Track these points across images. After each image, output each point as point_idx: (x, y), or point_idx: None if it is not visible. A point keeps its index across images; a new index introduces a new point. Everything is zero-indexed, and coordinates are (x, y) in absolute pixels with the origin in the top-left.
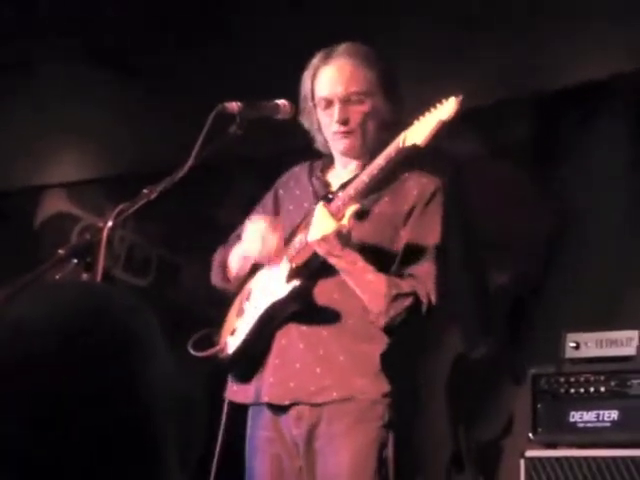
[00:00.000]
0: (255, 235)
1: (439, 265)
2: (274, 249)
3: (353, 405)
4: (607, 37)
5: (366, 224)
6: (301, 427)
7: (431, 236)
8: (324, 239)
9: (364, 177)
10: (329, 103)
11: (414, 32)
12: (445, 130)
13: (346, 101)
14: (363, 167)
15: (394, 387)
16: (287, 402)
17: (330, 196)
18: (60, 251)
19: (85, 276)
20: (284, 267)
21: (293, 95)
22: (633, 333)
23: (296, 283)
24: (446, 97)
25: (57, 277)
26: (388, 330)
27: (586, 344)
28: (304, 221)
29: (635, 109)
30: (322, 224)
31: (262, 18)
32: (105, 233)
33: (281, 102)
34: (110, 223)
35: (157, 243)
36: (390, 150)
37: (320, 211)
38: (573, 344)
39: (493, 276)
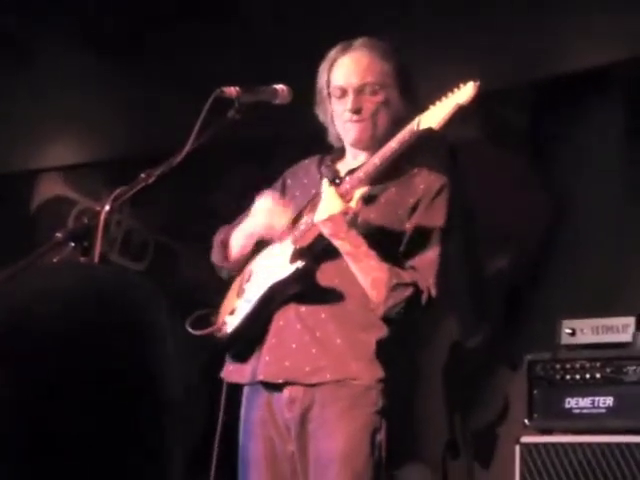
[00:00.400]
0: (264, 210)
1: (442, 252)
2: (282, 224)
3: (346, 390)
4: (605, 25)
5: (372, 209)
6: (294, 410)
7: (436, 222)
8: (331, 219)
9: (376, 160)
10: (344, 92)
11: (412, 19)
12: (459, 115)
13: (360, 91)
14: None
15: (389, 374)
16: (281, 380)
17: (337, 180)
18: (57, 235)
19: (82, 260)
20: (288, 248)
21: (292, 80)
22: (629, 320)
23: (299, 264)
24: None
25: (55, 260)
26: (386, 320)
27: (582, 330)
28: (310, 203)
29: (632, 96)
30: (330, 205)
31: (262, 2)
32: (102, 217)
33: (279, 87)
34: (107, 207)
35: (154, 228)
36: (404, 133)
37: (328, 192)
38: (569, 330)
39: (489, 263)
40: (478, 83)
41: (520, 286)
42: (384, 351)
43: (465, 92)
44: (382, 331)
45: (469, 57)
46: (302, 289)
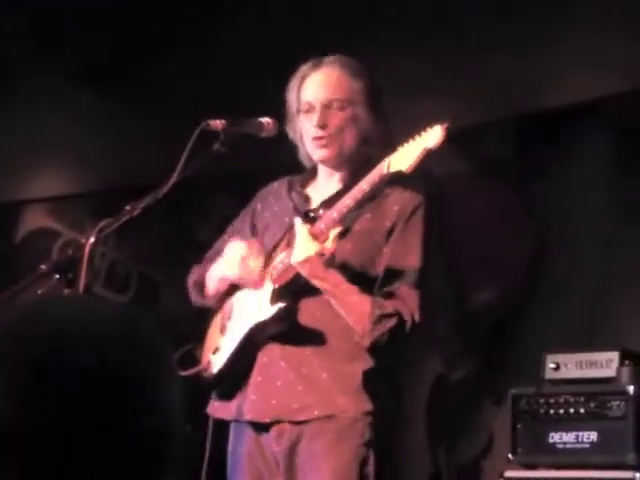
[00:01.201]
0: (235, 258)
1: (419, 288)
2: (255, 274)
3: (334, 423)
4: (589, 60)
5: (348, 243)
6: (282, 444)
7: (411, 258)
8: (307, 261)
9: (348, 201)
10: (311, 108)
11: (398, 51)
12: (430, 156)
13: (327, 106)
14: (344, 181)
15: (376, 405)
16: (268, 420)
17: (312, 214)
18: (42, 266)
19: (66, 292)
20: (267, 287)
21: (276, 112)
22: (613, 354)
23: (280, 305)
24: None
25: (39, 292)
26: (372, 350)
27: (566, 365)
28: (285, 238)
29: (616, 130)
30: (305, 246)
31: (246, 33)
32: (87, 249)
33: (265, 120)
34: (92, 239)
35: (137, 259)
36: (374, 176)
37: (302, 232)
38: (553, 365)
39: (474, 296)
40: (447, 125)
41: (504, 320)
42: (370, 382)
43: (433, 136)
44: (367, 362)
45: (454, 91)
46: (284, 328)
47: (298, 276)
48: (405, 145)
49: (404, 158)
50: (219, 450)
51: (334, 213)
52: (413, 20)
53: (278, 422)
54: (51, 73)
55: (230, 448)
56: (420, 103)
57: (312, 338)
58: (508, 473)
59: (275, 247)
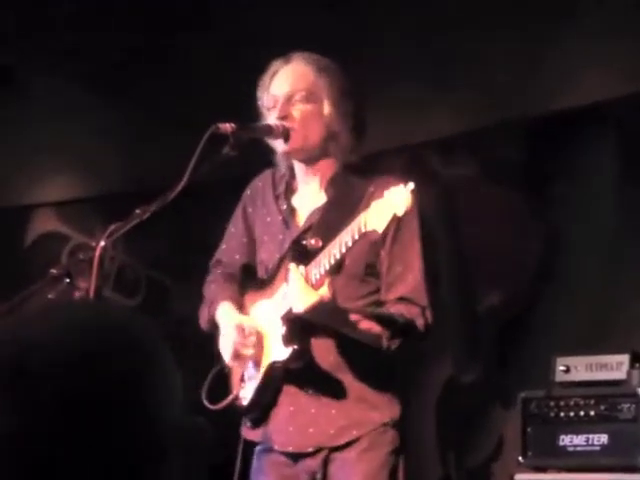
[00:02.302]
0: (228, 345)
1: (424, 266)
2: (249, 358)
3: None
4: (598, 62)
5: (346, 260)
6: (318, 457)
7: (412, 275)
8: (309, 311)
9: (335, 251)
10: (275, 102)
11: (408, 54)
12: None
13: (289, 98)
14: (325, 189)
15: (401, 410)
16: (311, 449)
17: (304, 242)
18: (52, 270)
19: (78, 295)
20: (276, 324)
21: None
22: (623, 357)
23: (294, 347)
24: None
25: (50, 296)
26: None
27: (576, 368)
28: (284, 267)
29: (624, 133)
30: (304, 295)
31: (260, 38)
32: (98, 253)
33: (274, 124)
34: (102, 243)
35: (147, 263)
36: (353, 232)
37: (298, 280)
38: (563, 368)
39: (483, 299)
40: (412, 187)
41: (514, 323)
42: (394, 388)
43: (402, 201)
44: (388, 369)
45: (464, 95)
46: (301, 366)
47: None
48: (378, 201)
49: (378, 220)
50: (249, 471)
51: (324, 261)
52: (421, 22)
53: (320, 450)
54: (61, 77)
55: (255, 459)
56: (429, 107)
57: (332, 363)
58: (518, 476)
59: (274, 274)
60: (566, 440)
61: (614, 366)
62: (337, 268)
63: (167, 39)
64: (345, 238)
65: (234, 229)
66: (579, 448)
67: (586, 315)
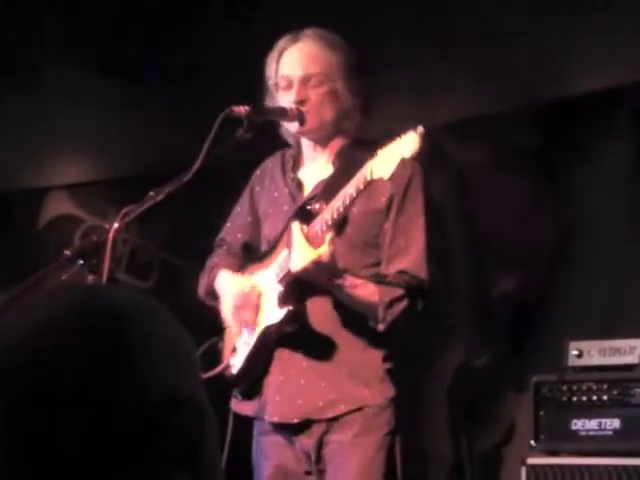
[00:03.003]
0: (229, 306)
1: (428, 242)
2: (247, 323)
3: (360, 414)
4: (614, 47)
5: (348, 227)
6: (312, 437)
7: (415, 227)
8: (306, 269)
9: (337, 204)
10: (289, 83)
11: (422, 40)
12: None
13: (305, 82)
14: (332, 163)
15: (397, 389)
16: (297, 420)
17: (308, 207)
18: (66, 252)
19: (91, 277)
20: (273, 287)
21: None
22: (636, 342)
23: (289, 308)
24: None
25: (63, 277)
26: (389, 332)
27: (589, 352)
28: (285, 233)
29: None
30: (303, 252)
31: (272, 25)
32: (111, 235)
33: (288, 106)
34: (116, 225)
35: (159, 246)
36: (359, 182)
37: (299, 239)
38: (576, 352)
39: (496, 283)
40: (421, 131)
41: (527, 307)
42: (390, 367)
43: (409, 144)
44: (384, 348)
45: (479, 81)
46: (295, 329)
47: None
48: (384, 149)
49: (384, 166)
50: (240, 444)
51: (327, 217)
52: (434, 9)
53: (306, 420)
54: (75, 62)
55: (255, 440)
56: (443, 92)
57: (328, 332)
58: (530, 460)
59: (276, 242)
60: (578, 424)
61: (627, 350)
62: (339, 228)
63: (181, 23)
64: (349, 190)
65: (240, 208)
66: (591, 432)
67: (600, 300)
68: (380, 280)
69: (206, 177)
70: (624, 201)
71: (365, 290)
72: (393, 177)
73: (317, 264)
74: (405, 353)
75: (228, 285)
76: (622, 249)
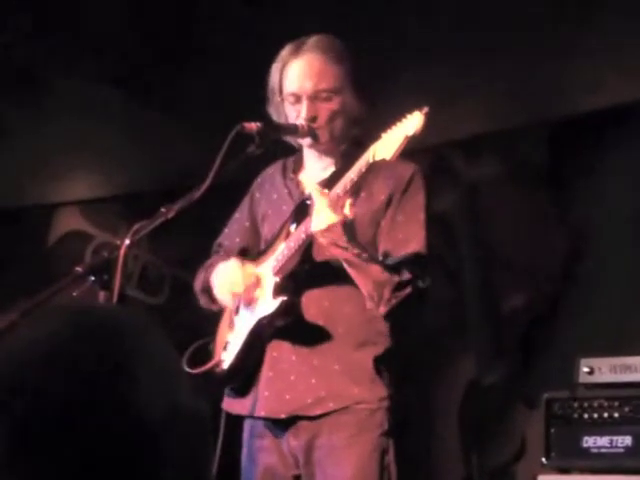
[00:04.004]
0: (225, 283)
1: (428, 245)
2: (244, 297)
3: (352, 415)
4: (622, 64)
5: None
6: (300, 439)
7: (413, 244)
8: (329, 229)
9: (338, 190)
10: (297, 99)
11: (432, 54)
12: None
13: (314, 98)
14: (336, 165)
15: (391, 390)
16: (284, 416)
17: (308, 202)
18: (77, 268)
19: (102, 294)
20: (269, 280)
21: None
22: None
23: (282, 299)
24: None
25: (74, 294)
26: (387, 317)
27: (600, 369)
28: (284, 228)
29: None
30: (326, 214)
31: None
32: (122, 251)
33: (299, 123)
34: (127, 241)
35: (170, 262)
36: (361, 165)
37: (320, 200)
38: (587, 369)
39: (507, 300)
40: (426, 111)
41: (538, 323)
42: (383, 367)
43: (413, 122)
44: (378, 347)
45: (488, 94)
46: (289, 321)
47: (300, 266)
48: (388, 132)
49: (387, 147)
50: (232, 444)
51: (341, 185)
52: (447, 26)
53: (294, 417)
54: (85, 76)
55: (245, 443)
56: (452, 107)
57: (321, 329)
58: (541, 477)
59: (274, 238)
60: (590, 442)
61: (638, 368)
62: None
63: (194, 38)
64: (351, 174)
65: (239, 214)
66: (603, 450)
67: (611, 316)
68: (387, 265)
69: (217, 193)
70: (632, 217)
71: (376, 266)
72: (395, 169)
73: (340, 225)
74: (416, 369)
75: (226, 268)
76: (631, 266)
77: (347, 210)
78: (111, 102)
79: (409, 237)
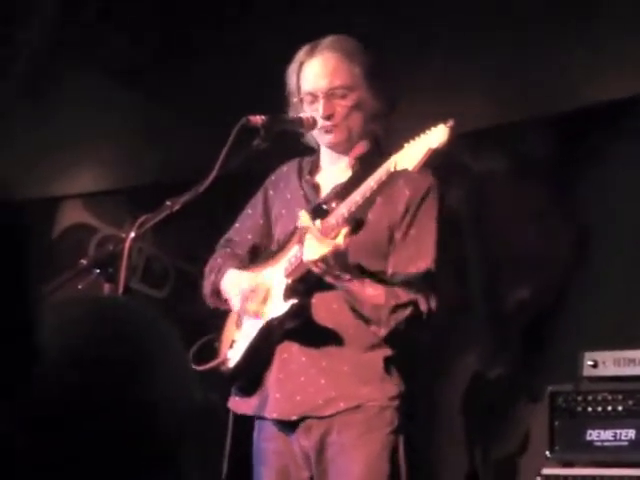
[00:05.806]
0: (236, 294)
1: (437, 259)
2: (252, 313)
3: (362, 413)
4: (628, 56)
5: (361, 233)
6: (311, 438)
7: (423, 261)
8: (321, 260)
9: (357, 197)
10: (314, 98)
11: (433, 49)
12: (439, 155)
13: (330, 95)
14: (352, 167)
15: (401, 389)
16: (296, 417)
17: (324, 206)
18: (82, 261)
19: (107, 286)
20: (280, 282)
21: None
22: None
23: (293, 301)
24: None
25: (79, 287)
26: (389, 339)
27: (604, 363)
28: (297, 230)
29: None
30: (317, 245)
31: (287, 34)
32: (127, 244)
33: (305, 116)
34: (133, 234)
35: (175, 255)
36: (381, 174)
37: (313, 229)
38: (591, 362)
39: (511, 294)
40: (451, 124)
41: (542, 317)
42: (392, 367)
43: (438, 135)
44: (388, 349)
45: (492, 90)
46: (298, 324)
47: (311, 271)
48: (411, 142)
49: (410, 157)
50: (240, 444)
51: (344, 210)
52: (452, 20)
53: (305, 418)
54: (91, 70)
55: (255, 443)
56: (455, 101)
57: (330, 331)
58: (545, 471)
59: (287, 240)
60: (594, 435)
61: None
62: (357, 225)
63: (200, 33)
64: (370, 182)
65: (251, 211)
66: (607, 443)
67: (615, 310)
68: (390, 282)
69: (222, 186)
70: (639, 212)
71: (373, 290)
72: (413, 179)
73: (331, 256)
74: (420, 362)
75: (237, 280)
76: (636, 259)
77: (340, 240)
78: (115, 95)
79: (420, 254)
